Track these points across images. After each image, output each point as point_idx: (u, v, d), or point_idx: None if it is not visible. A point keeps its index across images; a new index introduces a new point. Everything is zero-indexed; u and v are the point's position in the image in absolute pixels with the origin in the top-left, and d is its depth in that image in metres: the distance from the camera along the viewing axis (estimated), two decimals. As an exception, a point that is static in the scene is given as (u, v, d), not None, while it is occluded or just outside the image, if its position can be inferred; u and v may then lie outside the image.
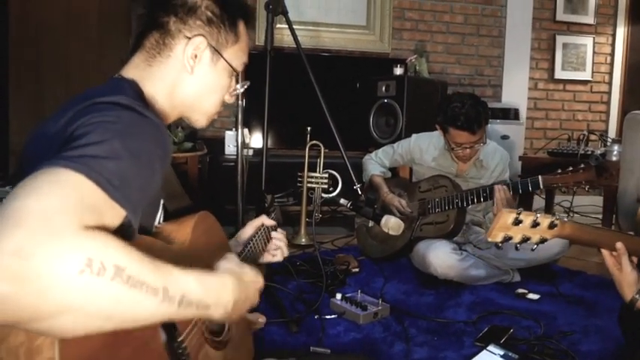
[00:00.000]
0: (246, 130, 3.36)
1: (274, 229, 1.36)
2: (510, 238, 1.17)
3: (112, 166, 0.65)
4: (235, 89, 1.06)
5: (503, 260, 2.37)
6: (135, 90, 0.89)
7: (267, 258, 1.34)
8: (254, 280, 0.87)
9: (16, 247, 0.51)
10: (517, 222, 1.15)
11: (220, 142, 3.67)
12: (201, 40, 0.93)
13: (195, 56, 0.94)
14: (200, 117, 1.02)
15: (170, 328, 0.81)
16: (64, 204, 0.57)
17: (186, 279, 0.67)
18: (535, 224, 1.17)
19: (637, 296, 1.22)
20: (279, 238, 1.34)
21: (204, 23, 0.94)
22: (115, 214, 0.65)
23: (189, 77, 0.95)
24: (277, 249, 1.34)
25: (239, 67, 1.03)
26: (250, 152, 3.48)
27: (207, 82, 0.97)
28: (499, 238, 1.16)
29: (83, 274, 0.54)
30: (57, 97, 4.15)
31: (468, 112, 2.38)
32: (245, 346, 1.13)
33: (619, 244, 1.24)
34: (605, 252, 1.28)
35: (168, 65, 0.94)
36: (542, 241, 1.20)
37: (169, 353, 0.82)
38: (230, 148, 3.63)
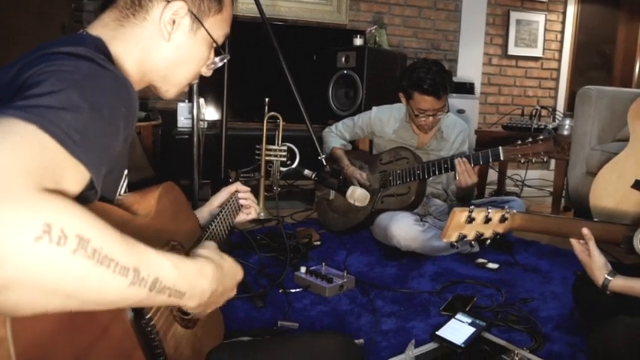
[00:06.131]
0: (202, 100, 3.23)
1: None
2: (465, 237, 1.21)
3: (70, 118, 0.57)
4: (214, 62, 0.99)
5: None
6: (99, 46, 0.80)
7: (242, 217, 1.34)
8: (234, 271, 0.81)
9: None
10: (470, 220, 1.19)
11: (172, 113, 3.50)
12: (181, 5, 0.85)
13: (174, 22, 0.86)
14: (170, 87, 0.94)
15: (138, 304, 0.75)
16: (18, 159, 0.49)
17: (161, 261, 0.60)
18: (487, 220, 1.21)
19: (609, 278, 1.25)
20: (246, 196, 1.35)
21: None
22: (75, 173, 0.57)
23: (165, 44, 0.87)
24: (249, 207, 1.35)
25: (220, 39, 0.96)
26: (205, 125, 3.35)
27: (184, 51, 0.89)
28: (454, 238, 1.20)
29: (40, 242, 0.46)
30: (-8, 65, 3.84)
31: (434, 76, 2.39)
32: (215, 325, 1.08)
33: (585, 230, 1.27)
34: (573, 240, 1.30)
35: (143, 28, 0.85)
36: (496, 235, 1.24)
37: (137, 332, 0.76)
38: (182, 121, 3.48)
